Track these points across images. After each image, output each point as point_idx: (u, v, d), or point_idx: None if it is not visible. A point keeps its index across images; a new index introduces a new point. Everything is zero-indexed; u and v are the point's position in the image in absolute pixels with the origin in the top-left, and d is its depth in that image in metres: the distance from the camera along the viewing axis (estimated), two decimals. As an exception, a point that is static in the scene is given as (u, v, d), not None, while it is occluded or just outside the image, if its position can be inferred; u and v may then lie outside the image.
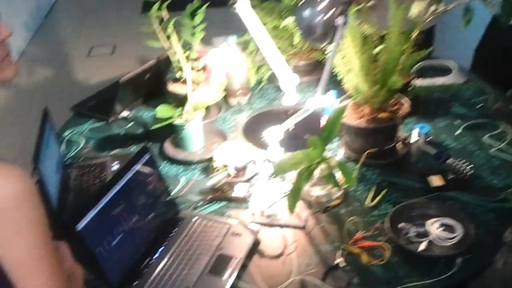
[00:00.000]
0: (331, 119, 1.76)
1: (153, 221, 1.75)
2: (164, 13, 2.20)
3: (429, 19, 1.95)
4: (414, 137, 2.13)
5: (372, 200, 1.85)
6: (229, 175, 1.96)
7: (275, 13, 2.56)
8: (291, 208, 1.70)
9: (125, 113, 2.53)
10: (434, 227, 1.69)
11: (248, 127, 2.34)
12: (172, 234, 1.77)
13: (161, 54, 2.49)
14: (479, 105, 2.34)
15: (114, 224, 1.61)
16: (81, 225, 1.48)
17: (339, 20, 1.88)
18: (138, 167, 1.73)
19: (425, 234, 1.68)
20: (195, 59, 2.32)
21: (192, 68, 2.29)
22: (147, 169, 1.77)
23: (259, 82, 2.62)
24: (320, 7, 1.93)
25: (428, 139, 2.12)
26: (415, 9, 1.94)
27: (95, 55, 5.73)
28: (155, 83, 2.59)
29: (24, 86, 5.07)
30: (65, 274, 1.24)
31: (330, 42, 1.93)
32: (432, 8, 1.94)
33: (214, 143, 2.20)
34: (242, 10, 2.26)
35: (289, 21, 2.48)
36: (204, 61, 2.35)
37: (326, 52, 2.04)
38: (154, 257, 1.69)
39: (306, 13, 1.98)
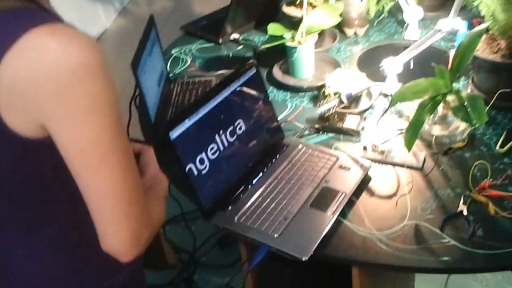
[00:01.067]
0: (464, 44, 1.45)
1: (254, 145, 1.51)
2: None
3: None
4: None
5: (503, 145, 1.53)
6: (341, 102, 1.68)
7: None
8: (409, 145, 1.42)
9: (235, 35, 2.29)
10: None
11: (364, 59, 2.07)
12: (274, 160, 1.53)
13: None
14: None
15: (211, 141, 1.38)
16: (174, 133, 1.26)
17: None
18: (242, 81, 1.49)
19: None
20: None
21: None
22: (252, 86, 1.52)
23: (379, 14, 2.30)
24: None
25: None
26: None
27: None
28: (269, 6, 2.34)
29: (142, 15, 5.00)
30: (144, 183, 1.00)
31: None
32: None
33: (326, 73, 1.92)
34: None
35: None
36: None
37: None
38: (253, 182, 1.46)
39: None
